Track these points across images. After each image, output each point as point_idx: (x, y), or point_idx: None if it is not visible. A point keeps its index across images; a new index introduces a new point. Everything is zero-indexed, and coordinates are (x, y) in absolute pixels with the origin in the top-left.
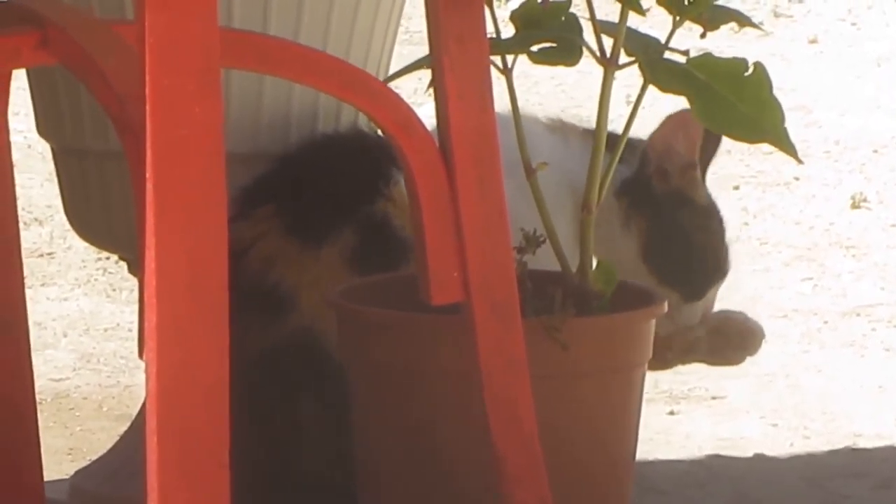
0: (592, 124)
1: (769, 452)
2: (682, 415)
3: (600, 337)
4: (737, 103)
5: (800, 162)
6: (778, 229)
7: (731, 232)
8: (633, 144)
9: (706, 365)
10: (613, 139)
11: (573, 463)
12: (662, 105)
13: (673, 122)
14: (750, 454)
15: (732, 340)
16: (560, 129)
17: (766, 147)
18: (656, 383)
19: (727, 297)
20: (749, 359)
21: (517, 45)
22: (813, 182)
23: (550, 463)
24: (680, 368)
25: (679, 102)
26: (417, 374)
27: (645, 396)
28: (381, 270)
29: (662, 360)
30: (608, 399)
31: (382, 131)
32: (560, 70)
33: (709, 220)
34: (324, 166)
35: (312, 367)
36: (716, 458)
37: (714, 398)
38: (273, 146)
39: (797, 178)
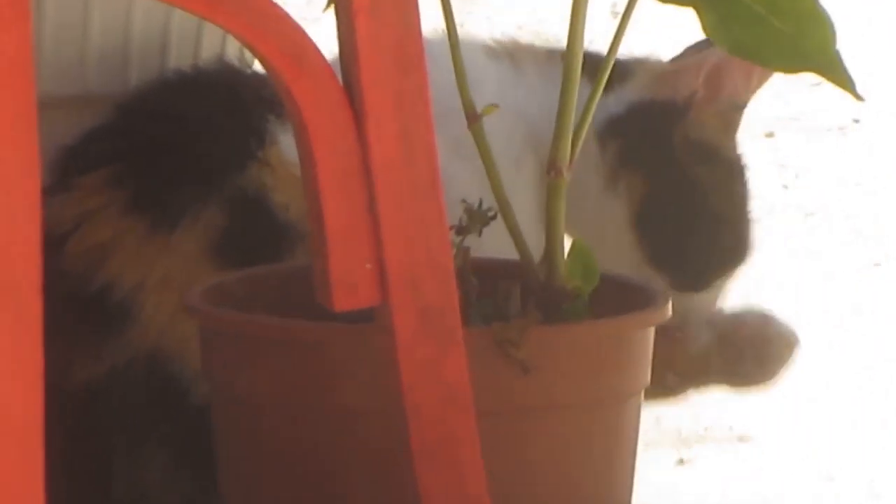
0: (556, 44)
1: None
2: (696, 463)
3: (577, 354)
4: (767, 16)
5: (859, 98)
6: (830, 194)
7: (764, 200)
8: (627, 67)
9: (727, 390)
10: (592, 63)
11: None
12: (662, 20)
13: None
14: None
15: (747, 352)
16: (509, 53)
17: (811, 77)
18: (658, 420)
19: (757, 294)
20: (789, 382)
21: None
22: (880, 125)
23: None
24: (691, 398)
25: (691, 17)
26: (314, 411)
27: (644, 438)
28: (258, 262)
29: (662, 386)
30: (589, 443)
31: (261, 63)
32: None
33: (733, 181)
34: (176, 117)
35: (161, 403)
36: None
37: (741, 439)
38: (106, 88)
39: (857, 121)
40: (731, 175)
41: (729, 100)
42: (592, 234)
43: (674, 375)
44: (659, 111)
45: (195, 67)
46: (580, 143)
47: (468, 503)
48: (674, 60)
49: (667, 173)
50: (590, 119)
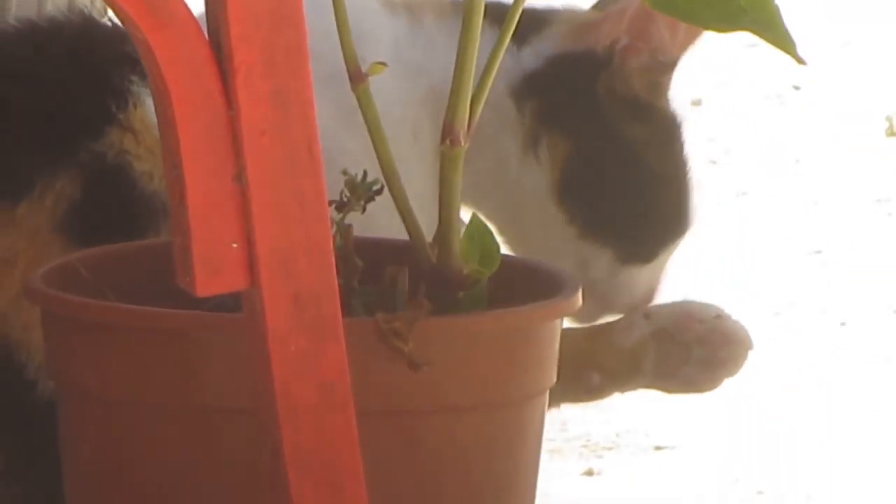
0: None
1: None
2: (606, 474)
3: (473, 349)
4: None
5: (801, 61)
6: (767, 172)
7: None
8: (541, 17)
9: (658, 392)
10: (500, 13)
11: None
12: None
13: None
14: None
15: (696, 354)
16: (407, 4)
17: (746, 37)
18: (564, 424)
19: (678, 285)
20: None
21: None
22: (824, 91)
23: None
24: (601, 401)
25: None
26: (173, 409)
27: (548, 446)
28: (117, 239)
29: (586, 387)
30: (486, 450)
31: (114, 11)
32: None
33: (671, 139)
34: (22, 74)
35: (2, 397)
36: None
37: (658, 448)
38: None
39: (797, 88)
40: (668, 133)
41: (655, 55)
42: (516, 209)
43: (599, 374)
44: (579, 63)
45: (45, 17)
46: (480, 107)
47: None
48: (594, 9)
49: (593, 132)
50: (492, 78)
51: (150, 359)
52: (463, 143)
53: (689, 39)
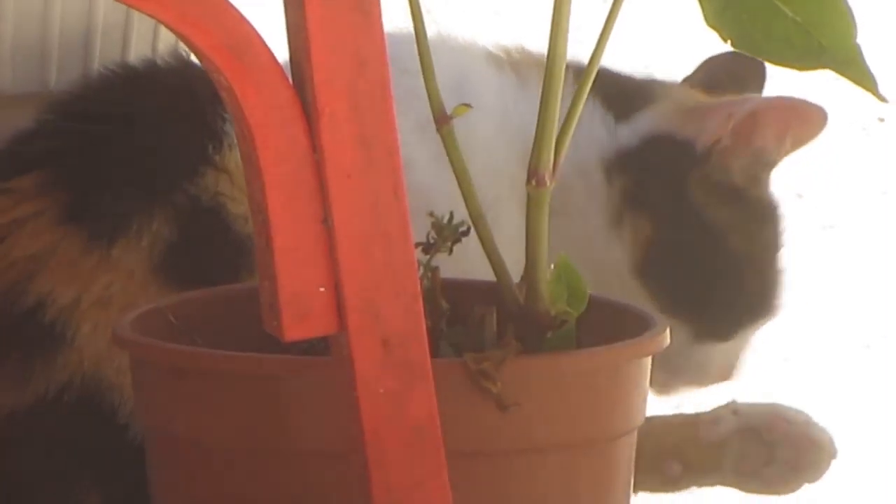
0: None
1: None
2: None
3: (562, 388)
4: (779, 4)
5: (882, 99)
6: (853, 205)
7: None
8: (649, 91)
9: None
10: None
11: None
12: (664, 9)
13: (780, 113)
14: None
15: (780, 455)
16: (514, 63)
17: (830, 74)
18: None
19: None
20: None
21: None
22: None
23: None
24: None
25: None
26: (262, 454)
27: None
28: (212, 282)
29: (665, 477)
30: (576, 490)
31: (198, 57)
32: None
33: (760, 223)
34: (120, 116)
35: (96, 438)
36: None
37: None
38: (21, 86)
39: (882, 120)
40: (755, 217)
41: (756, 154)
42: (596, 277)
43: (680, 465)
44: (675, 150)
45: (144, 60)
46: (565, 148)
47: None
48: (690, 80)
49: (677, 217)
50: (576, 120)
51: (239, 403)
52: (548, 184)
53: (795, 147)
